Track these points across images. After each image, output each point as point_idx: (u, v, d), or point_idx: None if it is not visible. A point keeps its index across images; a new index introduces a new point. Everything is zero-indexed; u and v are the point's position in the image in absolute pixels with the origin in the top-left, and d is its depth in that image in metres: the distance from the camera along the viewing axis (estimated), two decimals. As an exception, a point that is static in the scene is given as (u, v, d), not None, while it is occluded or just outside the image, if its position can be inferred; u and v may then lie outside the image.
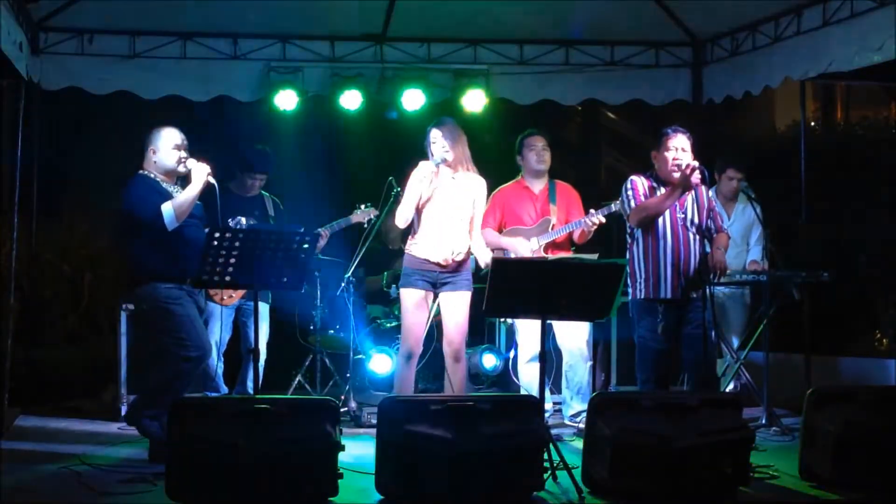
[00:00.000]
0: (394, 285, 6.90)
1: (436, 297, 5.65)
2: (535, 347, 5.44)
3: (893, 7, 5.82)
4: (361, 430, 6.10)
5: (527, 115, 7.74)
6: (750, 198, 6.46)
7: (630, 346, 5.90)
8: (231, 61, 7.35)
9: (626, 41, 7.68)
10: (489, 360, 7.14)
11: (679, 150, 5.43)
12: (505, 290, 4.69)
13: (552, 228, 6.28)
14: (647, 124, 8.38)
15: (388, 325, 7.31)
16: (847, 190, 8.31)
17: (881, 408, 4.68)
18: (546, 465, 4.52)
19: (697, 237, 5.46)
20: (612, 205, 6.02)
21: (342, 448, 4.27)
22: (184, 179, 5.30)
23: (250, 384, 6.15)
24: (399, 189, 5.77)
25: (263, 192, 6.75)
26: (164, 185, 5.24)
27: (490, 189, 6.45)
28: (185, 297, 5.15)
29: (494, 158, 6.70)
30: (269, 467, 4.12)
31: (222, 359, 6.49)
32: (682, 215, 5.47)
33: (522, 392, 6.20)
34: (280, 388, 6.79)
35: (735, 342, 6.82)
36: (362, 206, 6.63)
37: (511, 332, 6.69)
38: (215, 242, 4.56)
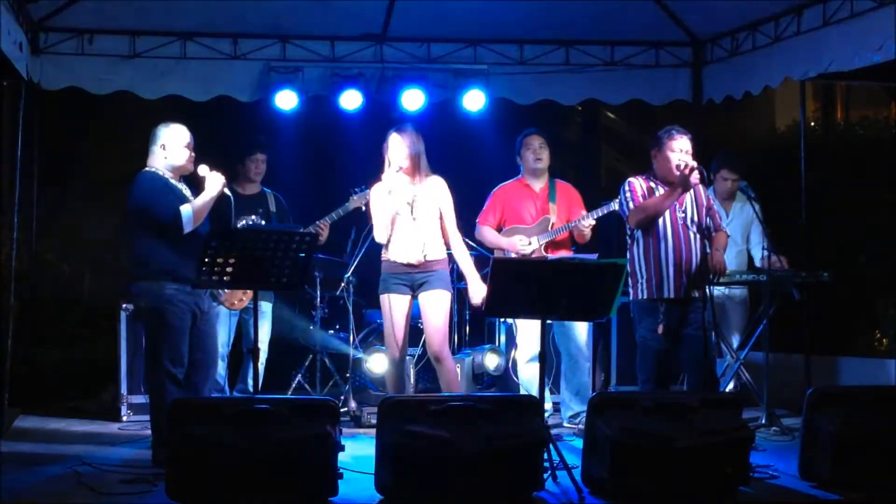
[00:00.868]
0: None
1: (415, 299, 5.66)
2: (535, 347, 5.44)
3: (893, 7, 5.82)
4: (361, 430, 6.11)
5: (527, 114, 7.73)
6: (749, 197, 6.46)
7: (630, 346, 5.90)
8: (231, 61, 7.35)
9: (626, 41, 7.68)
10: (492, 360, 7.07)
11: (683, 152, 5.43)
12: (505, 290, 4.69)
13: (551, 227, 6.29)
14: (647, 124, 8.36)
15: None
16: (847, 190, 8.30)
17: (881, 408, 4.68)
18: (546, 465, 4.52)
19: (698, 236, 5.46)
20: (605, 206, 6.03)
21: (342, 448, 4.27)
22: (187, 177, 5.29)
23: (251, 381, 6.15)
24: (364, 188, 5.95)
25: (265, 188, 6.76)
26: (173, 182, 5.21)
27: (490, 189, 6.48)
28: (185, 304, 5.09)
29: (494, 158, 6.70)
30: (269, 467, 4.12)
31: (226, 359, 6.49)
32: (683, 214, 5.47)
33: (522, 392, 6.20)
34: (280, 388, 6.79)
35: (735, 342, 6.82)
36: (357, 191, 6.59)
37: (511, 332, 6.69)
38: (214, 244, 4.55)
